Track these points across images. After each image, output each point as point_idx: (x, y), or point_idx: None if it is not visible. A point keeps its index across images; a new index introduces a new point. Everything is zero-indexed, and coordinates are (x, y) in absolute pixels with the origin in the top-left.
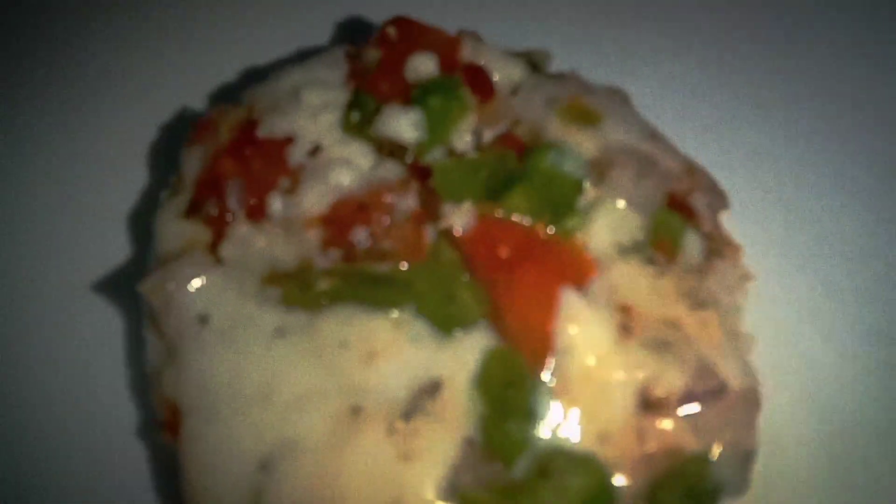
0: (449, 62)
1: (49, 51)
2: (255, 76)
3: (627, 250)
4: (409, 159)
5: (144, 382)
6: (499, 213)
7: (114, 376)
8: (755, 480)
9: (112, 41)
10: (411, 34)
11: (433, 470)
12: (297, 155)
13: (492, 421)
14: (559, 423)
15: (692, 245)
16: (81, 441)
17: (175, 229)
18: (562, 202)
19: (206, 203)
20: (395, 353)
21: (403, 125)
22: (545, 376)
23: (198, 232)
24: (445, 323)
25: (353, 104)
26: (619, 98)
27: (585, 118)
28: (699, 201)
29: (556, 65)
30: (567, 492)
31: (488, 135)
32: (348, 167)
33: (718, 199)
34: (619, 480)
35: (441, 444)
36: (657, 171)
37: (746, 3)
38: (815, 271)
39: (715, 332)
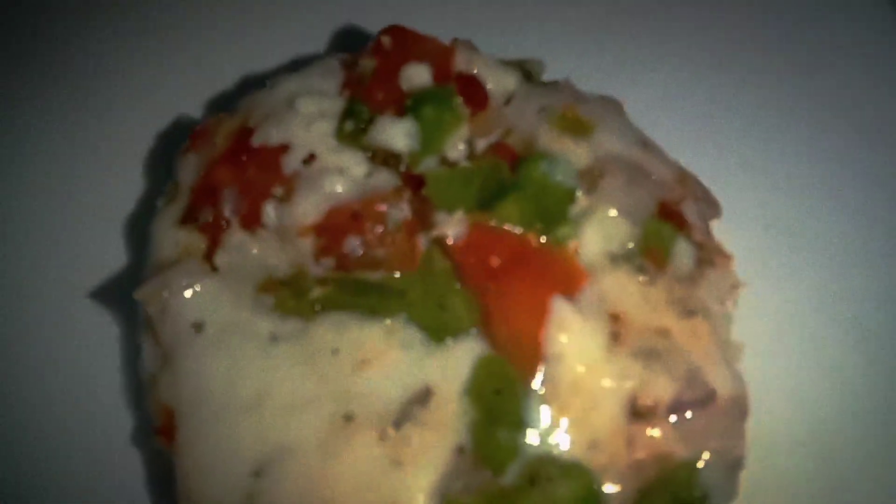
0: (443, 71)
1: (47, 57)
2: (252, 84)
3: (618, 259)
4: (402, 168)
5: (140, 388)
6: (491, 222)
7: (110, 382)
8: (744, 487)
9: (109, 49)
10: (406, 43)
11: (424, 476)
12: (291, 163)
13: (482, 428)
14: (549, 431)
15: (683, 254)
16: (78, 446)
17: (171, 237)
18: (553, 211)
19: (201, 211)
20: (387, 360)
21: (397, 134)
22: (535, 384)
23: (193, 239)
24: (437, 331)
25: (347, 113)
26: (612, 107)
27: (578, 127)
28: (690, 210)
29: (550, 74)
30: (556, 499)
31: (481, 144)
32: (342, 176)
33: (710, 208)
34: (608, 488)
35: (432, 451)
36: (649, 180)
37: (739, 13)
38: (805, 280)
39: (704, 340)
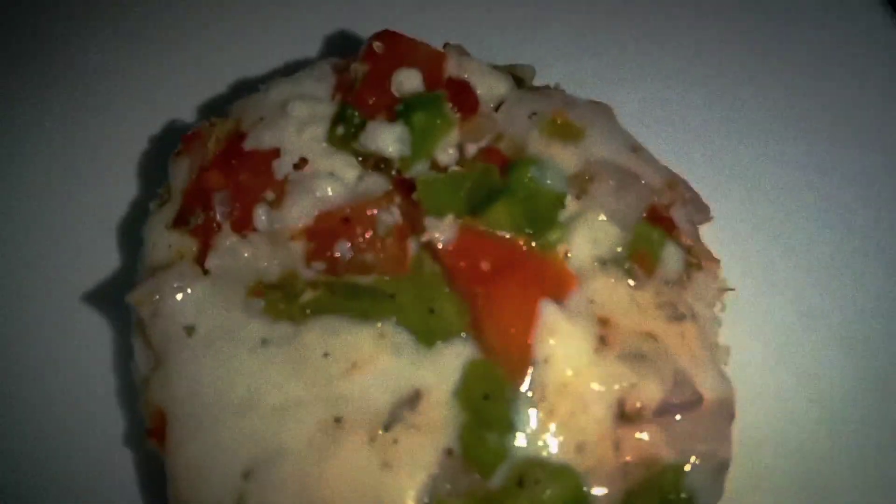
0: (434, 76)
1: (41, 61)
2: (245, 89)
3: (607, 263)
4: (393, 173)
5: (133, 390)
6: (481, 226)
7: (103, 384)
8: (730, 489)
9: (104, 53)
10: (397, 48)
11: (413, 479)
12: (283, 167)
13: (471, 431)
14: (537, 434)
15: (671, 258)
16: (71, 447)
17: (163, 240)
18: (543, 216)
19: (193, 214)
20: (377, 364)
21: (387, 140)
22: (524, 388)
23: (185, 243)
24: (427, 335)
25: (338, 118)
26: (602, 112)
27: (568, 132)
28: (679, 214)
29: (541, 79)
30: (544, 501)
31: (472, 149)
32: (333, 180)
33: (699, 212)
34: (595, 490)
35: (421, 453)
36: (638, 184)
37: (729, 19)
38: (792, 284)
39: (692, 344)
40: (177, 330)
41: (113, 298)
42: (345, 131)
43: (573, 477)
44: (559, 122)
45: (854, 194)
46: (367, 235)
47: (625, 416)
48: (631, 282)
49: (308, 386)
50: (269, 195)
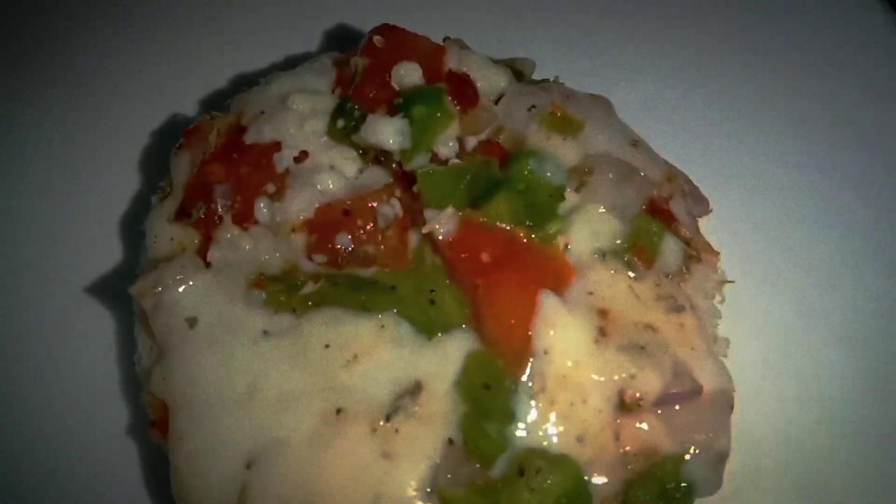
0: (434, 70)
1: (41, 56)
2: (245, 83)
3: (607, 255)
4: (393, 166)
5: (136, 382)
6: (481, 218)
7: (107, 376)
8: (729, 479)
9: (105, 48)
10: (397, 42)
11: (414, 469)
12: (284, 160)
13: (472, 422)
14: (537, 424)
15: (671, 250)
16: (75, 439)
17: (165, 233)
18: (543, 208)
19: (194, 207)
20: (378, 355)
21: (388, 133)
22: (524, 378)
23: (187, 235)
24: (427, 326)
25: (338, 111)
26: (601, 105)
27: (568, 125)
28: (679, 206)
29: (541, 72)
30: (544, 491)
31: (471, 142)
32: (334, 173)
33: (698, 205)
34: (595, 479)
35: (422, 443)
36: (637, 177)
37: (729, 13)
38: (791, 276)
39: (691, 335)
40: (179, 322)
41: (116, 291)
42: (345, 124)
43: (573, 466)
44: (559, 115)
45: (854, 187)
46: (368, 228)
47: (624, 406)
48: (630, 274)
49: (309, 377)
50: (270, 188)
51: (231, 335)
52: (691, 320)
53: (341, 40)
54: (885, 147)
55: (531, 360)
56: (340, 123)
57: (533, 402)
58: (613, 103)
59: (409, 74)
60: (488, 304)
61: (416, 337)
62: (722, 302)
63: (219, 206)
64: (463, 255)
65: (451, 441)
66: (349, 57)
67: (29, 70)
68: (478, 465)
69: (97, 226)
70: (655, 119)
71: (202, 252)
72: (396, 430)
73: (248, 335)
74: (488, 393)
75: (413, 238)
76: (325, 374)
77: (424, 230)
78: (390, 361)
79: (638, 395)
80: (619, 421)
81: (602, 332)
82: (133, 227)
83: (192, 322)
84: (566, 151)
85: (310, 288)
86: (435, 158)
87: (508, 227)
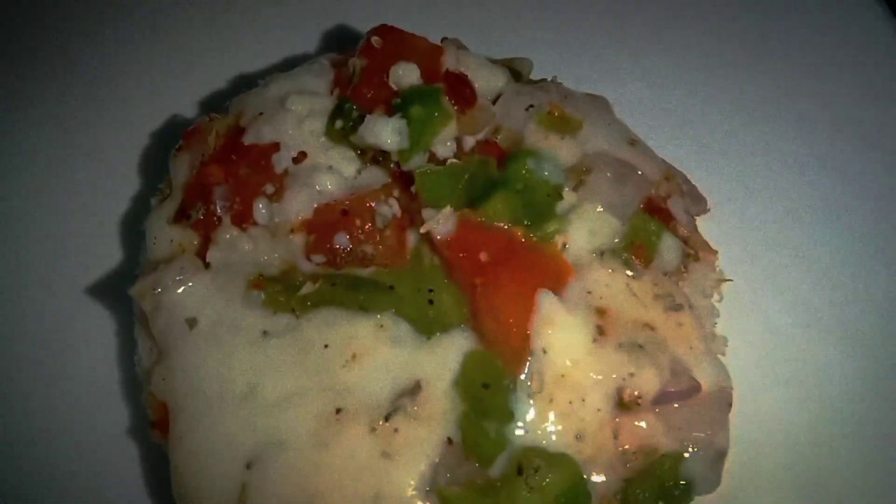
0: (432, 70)
1: (41, 57)
2: (244, 84)
3: (605, 254)
4: (391, 166)
5: (136, 384)
6: (479, 218)
7: (107, 377)
8: (728, 477)
9: (104, 49)
10: (395, 42)
11: (413, 468)
12: (282, 161)
13: (470, 421)
14: (536, 423)
15: (669, 249)
16: (74, 439)
17: (164, 234)
18: (541, 207)
19: (194, 208)
20: (377, 355)
21: (386, 133)
22: (523, 377)
23: (186, 236)
24: (426, 326)
25: (337, 112)
26: (599, 105)
27: (565, 125)
28: (677, 205)
29: (538, 72)
30: (543, 489)
31: (469, 142)
32: (332, 173)
33: (696, 204)
34: (594, 478)
35: (421, 443)
36: (635, 176)
37: (727, 12)
38: (788, 274)
39: (689, 333)
40: (178, 323)
41: (116, 292)
42: (343, 125)
43: (572, 465)
44: (556, 114)
45: (852, 186)
46: (367, 228)
47: (623, 404)
48: (628, 272)
49: (309, 377)
50: (269, 189)
51: (231, 336)
52: (689, 319)
53: (339, 41)
54: (884, 147)
55: (530, 359)
56: (339, 124)
57: (531, 401)
58: (611, 103)
59: (406, 75)
60: (487, 303)
61: (415, 336)
62: (720, 300)
63: (218, 207)
64: (461, 255)
65: (450, 440)
66: (347, 58)
67: (29, 70)
68: (477, 465)
69: (97, 226)
70: (653, 118)
71: (201, 253)
72: (396, 430)
73: (248, 335)
74: (487, 392)
75: (411, 238)
76: (325, 373)
77: (423, 230)
78: (389, 361)
79: (636, 393)
80: (617, 419)
81: (600, 331)
82: (133, 228)
83: (191, 323)
84: (564, 151)
85: (309, 288)
86: (433, 158)
87: (506, 227)
